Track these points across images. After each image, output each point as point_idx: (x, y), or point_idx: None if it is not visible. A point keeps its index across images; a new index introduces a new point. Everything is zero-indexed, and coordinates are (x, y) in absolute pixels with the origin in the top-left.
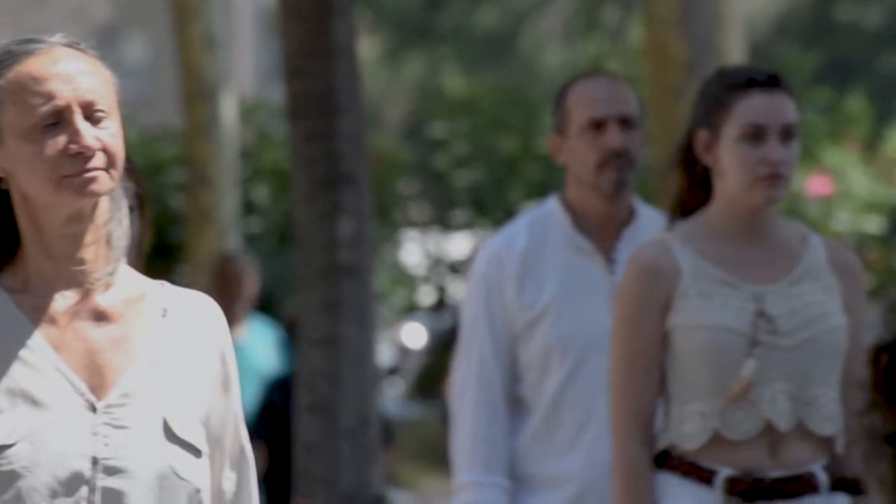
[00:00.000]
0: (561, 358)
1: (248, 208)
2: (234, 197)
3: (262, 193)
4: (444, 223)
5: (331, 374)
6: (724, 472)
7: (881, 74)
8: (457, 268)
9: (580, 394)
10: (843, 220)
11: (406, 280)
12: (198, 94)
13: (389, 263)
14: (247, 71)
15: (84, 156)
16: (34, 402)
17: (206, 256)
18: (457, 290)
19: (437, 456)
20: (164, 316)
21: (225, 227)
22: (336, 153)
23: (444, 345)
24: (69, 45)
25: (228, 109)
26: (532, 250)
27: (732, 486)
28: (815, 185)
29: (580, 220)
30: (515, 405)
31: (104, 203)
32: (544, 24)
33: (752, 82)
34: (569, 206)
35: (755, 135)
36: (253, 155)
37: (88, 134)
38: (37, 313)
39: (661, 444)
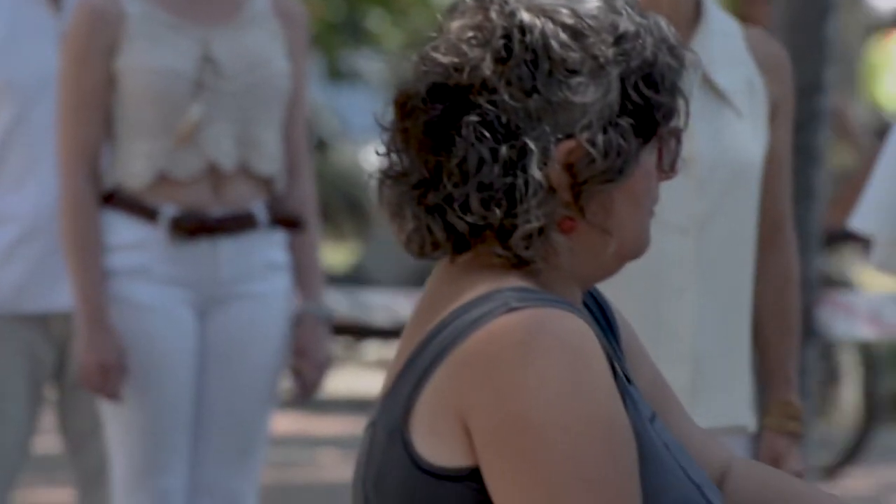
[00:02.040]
0: (7, 101)
1: None
2: None
3: None
4: None
5: None
6: (169, 210)
7: None
8: None
9: (28, 136)
10: None
11: None
12: None
13: None
14: None
15: None
16: None
17: None
18: None
19: None
20: None
21: None
22: None
23: None
24: None
25: None
26: None
27: (176, 223)
28: None
29: None
30: None
31: None
32: None
33: None
34: None
35: None
36: None
37: None
38: None
39: (109, 184)
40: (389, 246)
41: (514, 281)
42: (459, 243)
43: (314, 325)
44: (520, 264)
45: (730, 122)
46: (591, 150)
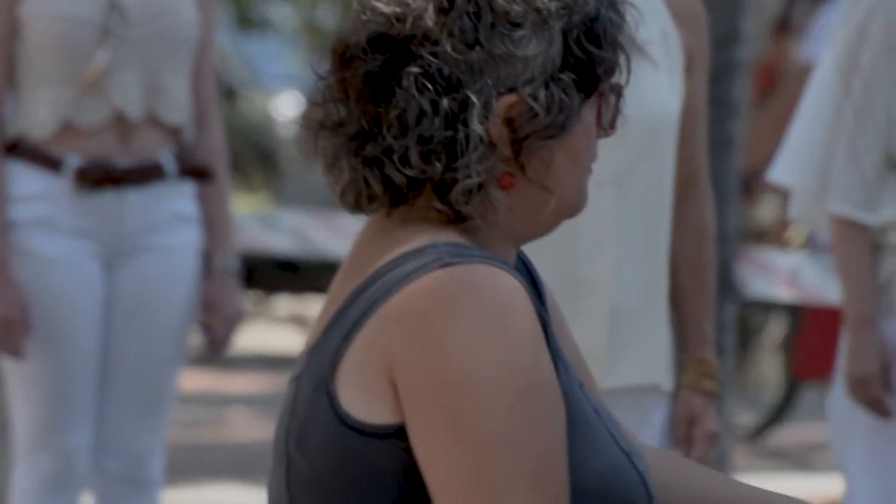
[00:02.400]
0: None
1: None
2: None
3: None
4: None
5: None
6: (74, 161)
7: None
8: None
9: None
10: None
11: None
12: None
13: None
14: None
15: None
16: None
17: None
18: None
19: None
20: None
21: None
22: None
23: None
24: None
25: None
26: None
27: (81, 174)
28: None
29: None
30: None
31: None
32: None
33: None
34: None
35: None
36: None
37: None
38: None
39: (12, 133)
40: (300, 197)
41: (450, 236)
42: (396, 196)
43: (224, 279)
44: (457, 220)
45: (647, 74)
46: (534, 104)
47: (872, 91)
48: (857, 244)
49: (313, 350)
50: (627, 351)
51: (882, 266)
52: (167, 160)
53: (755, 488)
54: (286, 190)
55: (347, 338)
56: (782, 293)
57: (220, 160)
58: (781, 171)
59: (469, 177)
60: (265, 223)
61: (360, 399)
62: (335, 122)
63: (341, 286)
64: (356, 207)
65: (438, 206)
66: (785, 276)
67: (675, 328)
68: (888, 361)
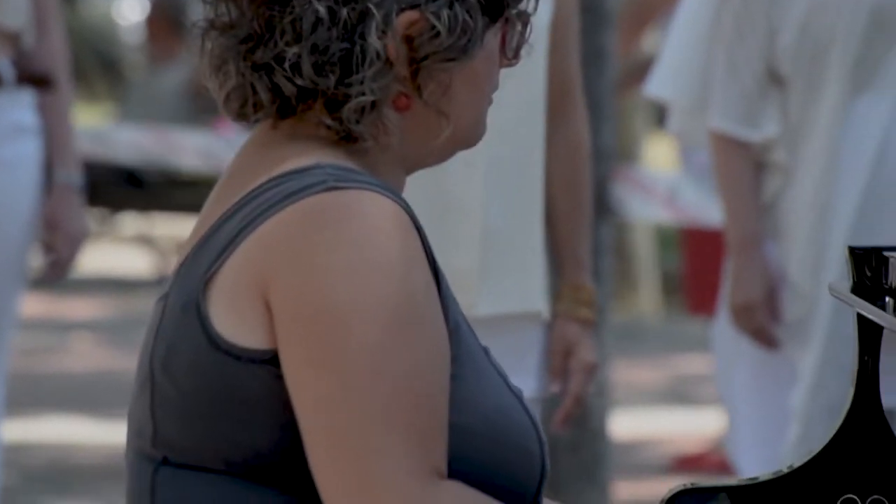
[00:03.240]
0: None
1: None
2: None
3: None
4: None
5: None
6: None
7: None
8: None
9: None
10: None
11: None
12: None
13: None
14: None
15: None
16: None
17: None
18: None
19: None
20: None
21: None
22: None
23: None
24: None
25: None
26: None
27: None
28: None
29: None
30: None
31: None
32: None
33: None
34: None
35: None
36: None
37: None
38: None
39: None
40: (146, 108)
41: (338, 157)
42: (284, 108)
43: (67, 195)
44: (347, 139)
45: None
46: (436, 23)
47: None
48: (738, 162)
49: (184, 266)
50: (501, 277)
51: (765, 185)
52: (4, 67)
53: None
54: (131, 100)
55: (222, 255)
56: (659, 213)
57: (62, 67)
58: (658, 83)
59: (363, 94)
60: (108, 136)
61: (233, 320)
62: (226, 22)
63: (218, 200)
64: (240, 115)
65: (328, 121)
66: (662, 195)
67: (551, 253)
68: (774, 287)
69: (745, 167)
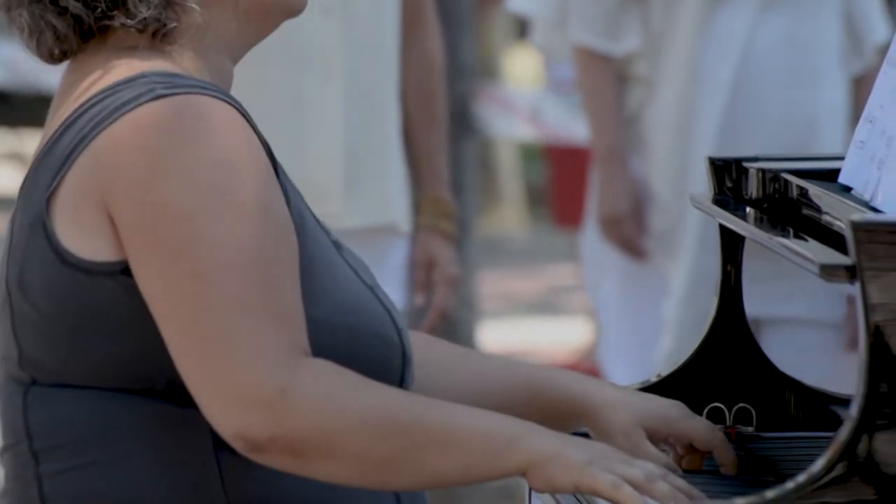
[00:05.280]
0: None
1: None
2: None
3: None
4: None
5: None
6: None
7: None
8: None
9: None
10: None
11: None
12: None
13: None
14: None
15: None
16: None
17: None
18: None
19: None
20: None
21: None
22: None
23: None
24: None
25: None
26: None
27: None
28: None
29: None
30: None
31: None
32: None
33: None
34: None
35: None
36: None
37: None
38: None
39: None
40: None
41: (158, 65)
42: (82, 30)
43: None
44: (156, 36)
45: None
46: None
47: None
48: (600, 75)
49: (26, 184)
50: (362, 190)
51: (628, 98)
52: None
53: (503, 360)
54: None
55: (60, 172)
56: (522, 131)
57: None
58: None
59: None
60: None
61: (79, 236)
62: None
63: (53, 117)
64: (50, 56)
65: (119, 21)
66: (525, 113)
67: (409, 166)
68: (640, 199)
69: (607, 80)
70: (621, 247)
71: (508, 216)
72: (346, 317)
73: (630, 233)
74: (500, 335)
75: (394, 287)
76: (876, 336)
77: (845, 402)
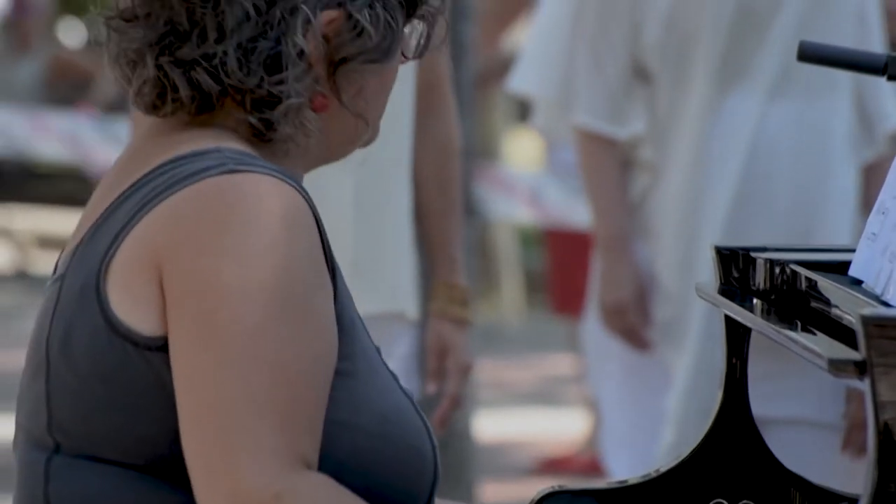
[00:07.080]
0: None
1: None
2: None
3: None
4: None
5: None
6: None
7: None
8: None
9: None
10: None
11: None
12: None
13: None
14: None
15: None
16: None
17: None
18: None
19: None
20: None
21: None
22: None
23: None
24: None
25: None
26: None
27: None
28: None
29: None
30: None
31: None
32: None
33: None
34: None
35: None
36: None
37: None
38: None
39: None
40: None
41: (236, 143)
42: (203, 104)
43: None
44: (262, 136)
45: None
46: (364, 22)
47: None
48: (604, 159)
49: (81, 247)
50: (369, 276)
51: (633, 184)
52: None
53: None
54: None
55: (119, 237)
56: (522, 213)
57: None
58: (521, 78)
59: (290, 95)
60: None
61: (130, 304)
62: (146, 13)
63: (114, 182)
64: (152, 108)
65: (253, 119)
66: (525, 195)
67: (422, 252)
68: (643, 288)
69: (611, 165)
70: (624, 336)
71: (506, 302)
72: (386, 426)
73: (633, 322)
74: (496, 425)
75: (401, 376)
76: (885, 434)
77: (853, 501)
